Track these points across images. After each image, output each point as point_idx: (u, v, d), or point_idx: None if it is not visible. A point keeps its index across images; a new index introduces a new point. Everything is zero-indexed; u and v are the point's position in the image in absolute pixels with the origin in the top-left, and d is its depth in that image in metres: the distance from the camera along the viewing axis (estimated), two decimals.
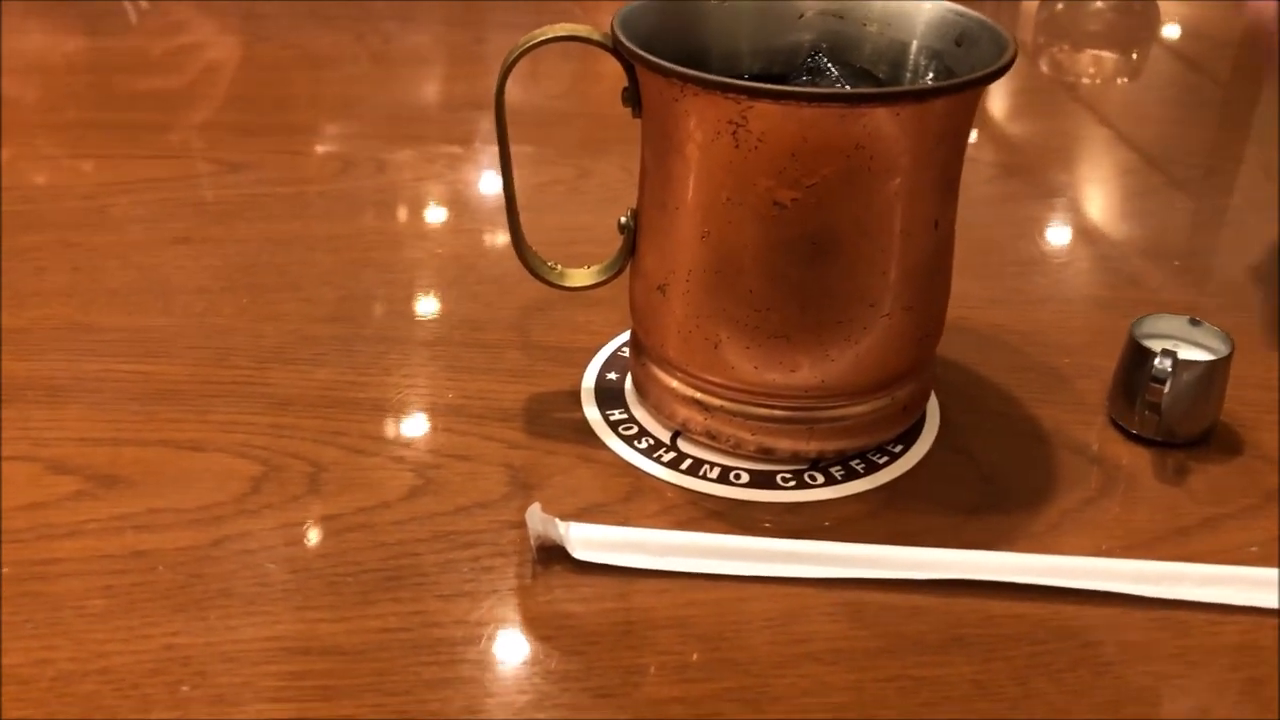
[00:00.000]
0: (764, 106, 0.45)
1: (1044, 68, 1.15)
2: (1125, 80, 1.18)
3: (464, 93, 1.04)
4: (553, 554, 0.48)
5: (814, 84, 0.53)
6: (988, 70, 0.46)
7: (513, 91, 0.51)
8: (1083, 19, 1.35)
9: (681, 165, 0.49)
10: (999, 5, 1.38)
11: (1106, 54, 1.24)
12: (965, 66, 0.51)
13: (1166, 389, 0.54)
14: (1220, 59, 1.22)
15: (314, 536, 0.49)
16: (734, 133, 0.46)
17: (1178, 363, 0.54)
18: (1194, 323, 0.57)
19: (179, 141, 0.89)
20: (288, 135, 0.91)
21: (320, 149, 0.90)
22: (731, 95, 0.45)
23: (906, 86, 0.53)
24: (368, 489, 0.52)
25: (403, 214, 0.79)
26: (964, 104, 0.48)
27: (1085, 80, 1.14)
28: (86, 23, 1.13)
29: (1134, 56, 1.26)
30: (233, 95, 0.99)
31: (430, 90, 1.05)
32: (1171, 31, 1.31)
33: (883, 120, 0.45)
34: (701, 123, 0.47)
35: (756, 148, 0.46)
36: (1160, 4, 1.39)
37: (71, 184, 0.81)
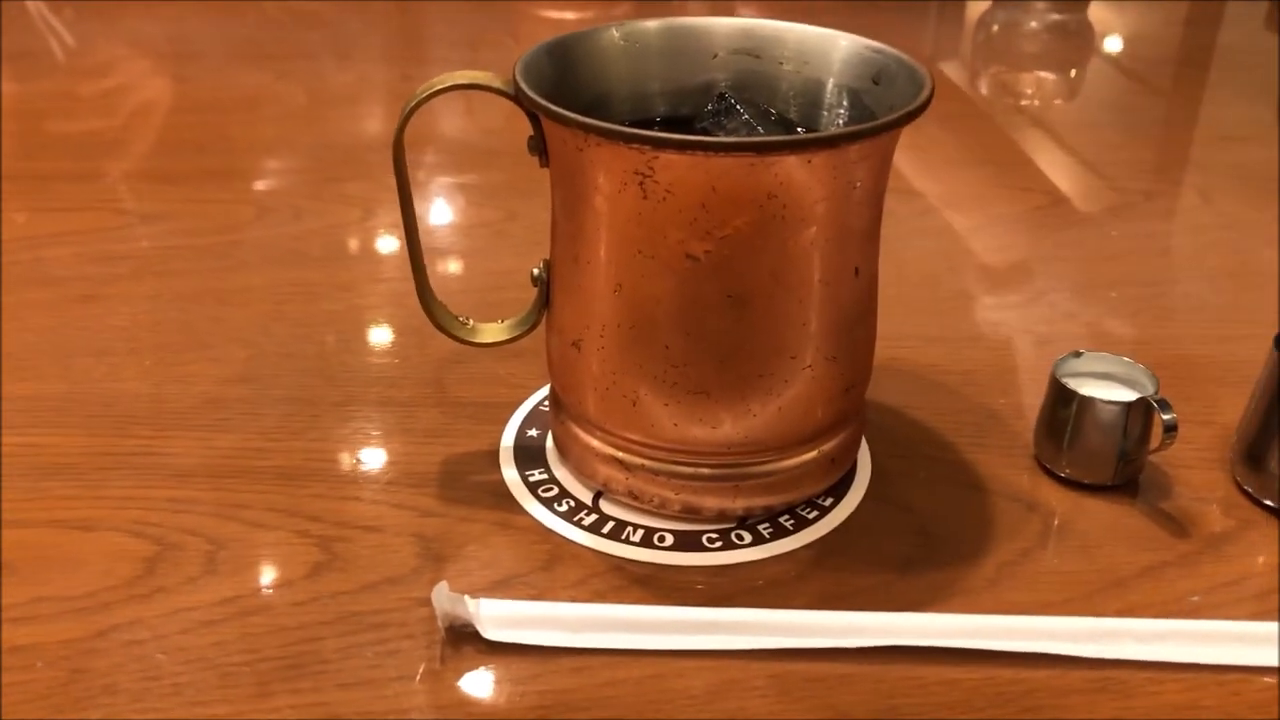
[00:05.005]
0: (669, 157, 0.42)
1: (982, 90, 1.14)
2: (1061, 101, 1.17)
3: (387, 133, 1.01)
4: (463, 634, 0.45)
5: (722, 126, 0.51)
6: (902, 111, 0.44)
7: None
8: (1018, 40, 1.35)
9: (591, 217, 0.47)
10: (939, 26, 1.38)
11: (1043, 74, 1.23)
12: (884, 105, 0.49)
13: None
14: (1159, 74, 1.22)
15: (208, 622, 0.46)
16: (641, 184, 0.44)
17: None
18: (1118, 360, 0.56)
19: (92, 192, 0.86)
20: (206, 182, 0.88)
21: (238, 196, 0.86)
22: (635, 145, 0.42)
23: (817, 133, 0.50)
24: (268, 567, 0.49)
25: (318, 263, 0.76)
26: (880, 147, 0.46)
27: (1023, 102, 1.13)
28: (12, 65, 1.10)
29: (1072, 74, 1.26)
30: (155, 140, 0.96)
31: (354, 130, 1.02)
32: (1112, 45, 1.31)
33: (794, 168, 0.43)
34: (608, 174, 0.45)
35: (665, 199, 0.44)
36: (1094, 19, 1.39)
37: None
